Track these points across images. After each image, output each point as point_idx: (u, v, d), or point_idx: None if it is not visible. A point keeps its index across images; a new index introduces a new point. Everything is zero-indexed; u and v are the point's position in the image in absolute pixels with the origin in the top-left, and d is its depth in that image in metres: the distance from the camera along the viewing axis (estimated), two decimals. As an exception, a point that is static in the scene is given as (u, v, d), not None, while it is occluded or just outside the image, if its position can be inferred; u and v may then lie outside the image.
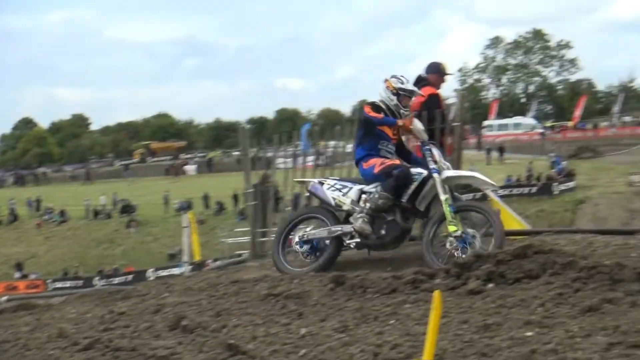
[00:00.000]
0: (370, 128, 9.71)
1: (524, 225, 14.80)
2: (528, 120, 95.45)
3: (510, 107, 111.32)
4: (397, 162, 9.58)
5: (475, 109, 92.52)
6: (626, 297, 6.53)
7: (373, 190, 9.50)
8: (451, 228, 8.95)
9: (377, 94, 9.97)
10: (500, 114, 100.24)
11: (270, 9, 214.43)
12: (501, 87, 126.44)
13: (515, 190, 48.70)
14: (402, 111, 9.76)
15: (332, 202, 9.79)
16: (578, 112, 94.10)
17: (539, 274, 7.39)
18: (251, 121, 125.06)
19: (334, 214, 9.80)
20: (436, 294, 5.10)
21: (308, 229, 9.83)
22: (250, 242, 13.12)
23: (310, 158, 13.72)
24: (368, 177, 9.65)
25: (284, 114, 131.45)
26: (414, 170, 9.37)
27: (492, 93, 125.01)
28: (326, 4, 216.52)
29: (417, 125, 9.68)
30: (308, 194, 10.65)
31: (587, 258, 7.66)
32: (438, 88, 12.04)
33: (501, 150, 69.84)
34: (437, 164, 9.32)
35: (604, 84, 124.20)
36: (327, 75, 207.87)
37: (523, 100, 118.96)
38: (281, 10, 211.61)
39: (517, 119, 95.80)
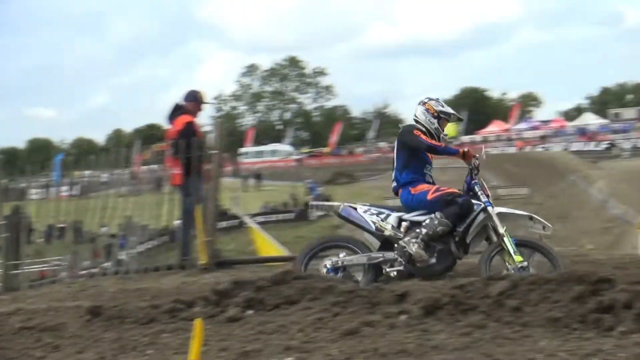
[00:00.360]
0: (416, 152, 9.38)
1: (282, 252, 14.97)
2: (284, 146, 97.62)
3: (267, 134, 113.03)
4: (456, 190, 9.29)
5: (231, 136, 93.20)
6: (384, 320, 6.70)
7: (414, 218, 9.17)
8: (518, 258, 8.68)
9: (414, 117, 9.75)
10: (257, 141, 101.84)
11: (19, 35, 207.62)
12: (257, 114, 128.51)
13: (273, 217, 49.50)
14: (442, 135, 9.58)
15: (372, 227, 9.29)
16: (334, 138, 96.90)
17: (299, 300, 7.49)
18: (1, 151, 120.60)
19: (363, 242, 9.35)
20: (197, 322, 5.06)
21: (342, 255, 9.25)
22: (2, 275, 12.64)
23: (65, 188, 13.44)
24: (415, 203, 9.23)
25: (36, 144, 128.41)
26: (473, 200, 9.10)
27: (248, 120, 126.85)
28: (79, 32, 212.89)
29: (483, 155, 9.46)
30: (338, 217, 9.74)
31: (347, 282, 7.85)
32: (195, 116, 12.13)
33: (258, 177, 70.68)
34: (490, 198, 9.14)
35: (359, 110, 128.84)
36: (80, 104, 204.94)
37: (279, 127, 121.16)
38: (32, 37, 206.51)
39: (274, 146, 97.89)
